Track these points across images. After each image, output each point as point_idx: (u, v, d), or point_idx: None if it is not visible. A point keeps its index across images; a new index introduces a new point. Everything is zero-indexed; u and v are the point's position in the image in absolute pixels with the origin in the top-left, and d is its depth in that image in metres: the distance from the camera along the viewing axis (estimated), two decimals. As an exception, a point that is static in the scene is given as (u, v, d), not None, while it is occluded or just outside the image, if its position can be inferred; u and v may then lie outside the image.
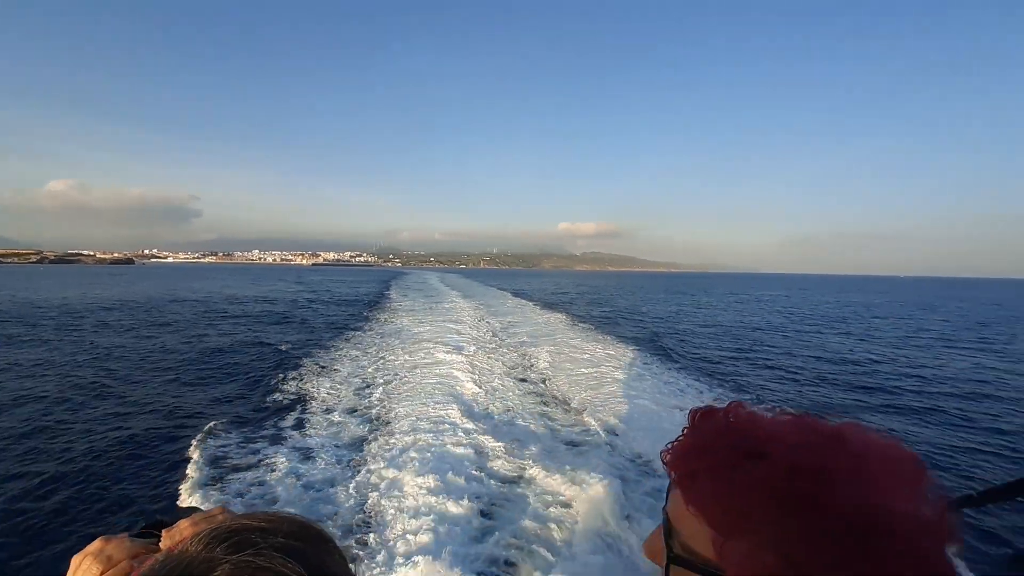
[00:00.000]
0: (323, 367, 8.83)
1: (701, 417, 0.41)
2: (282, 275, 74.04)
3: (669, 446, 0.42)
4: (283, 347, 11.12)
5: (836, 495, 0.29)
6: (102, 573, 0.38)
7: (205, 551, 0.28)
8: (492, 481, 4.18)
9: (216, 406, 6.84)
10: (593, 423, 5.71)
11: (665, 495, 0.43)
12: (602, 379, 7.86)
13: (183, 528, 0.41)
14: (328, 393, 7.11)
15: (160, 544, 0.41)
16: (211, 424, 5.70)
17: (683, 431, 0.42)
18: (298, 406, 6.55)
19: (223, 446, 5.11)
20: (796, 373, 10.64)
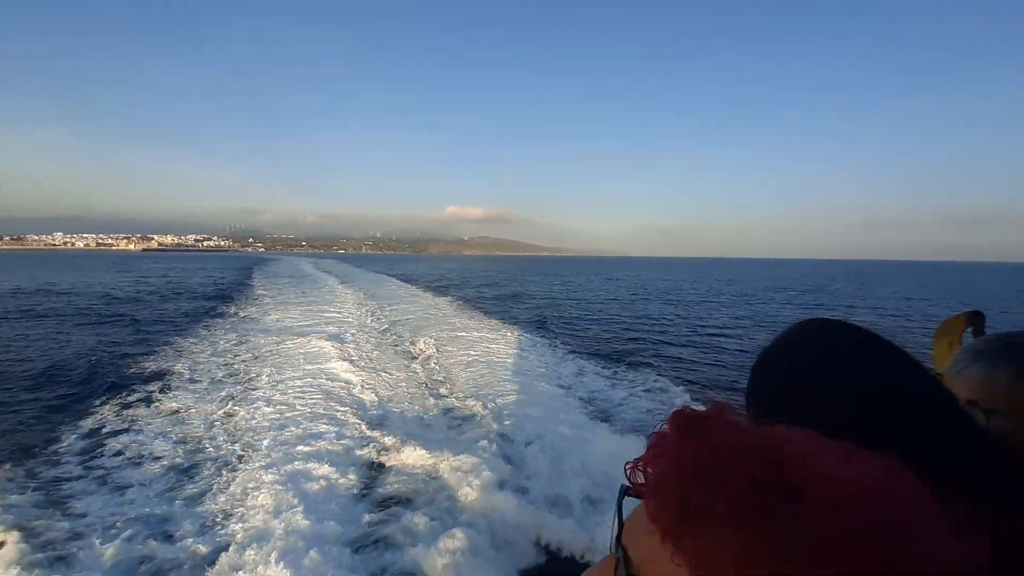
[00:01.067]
0: (167, 368, 7.37)
1: (690, 424, 0.30)
2: (98, 263, 60.39)
3: (640, 460, 0.31)
4: (107, 350, 8.97)
5: (910, 562, 0.22)
6: None
7: None
8: (373, 465, 4.16)
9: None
10: (476, 404, 5.72)
11: (616, 517, 0.33)
12: (484, 358, 8.16)
13: None
14: (177, 393, 6.07)
15: None
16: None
17: (657, 440, 0.31)
18: (133, 413, 5.44)
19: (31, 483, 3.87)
20: (613, 327, 14.19)
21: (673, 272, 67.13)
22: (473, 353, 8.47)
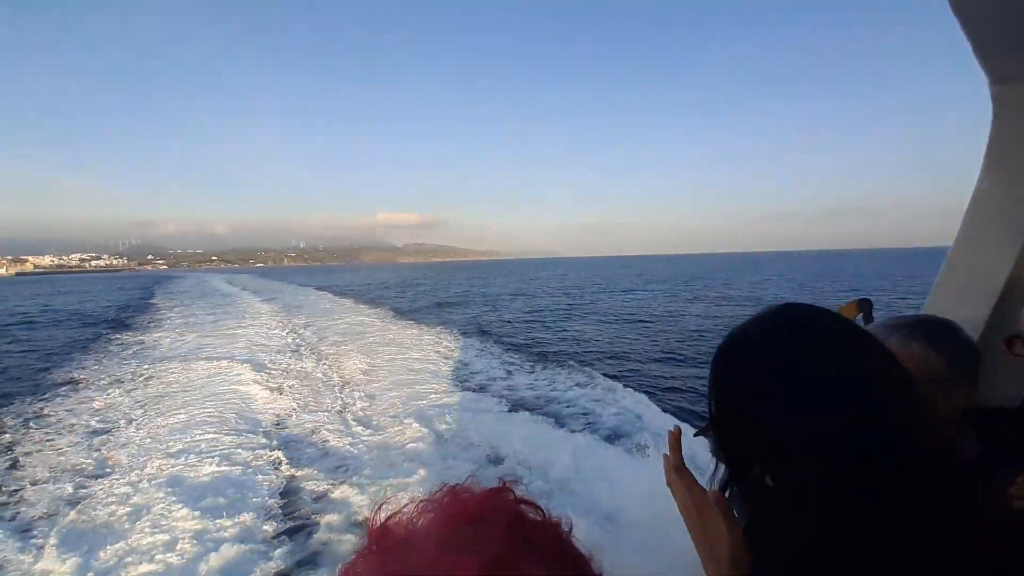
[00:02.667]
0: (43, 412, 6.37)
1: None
2: None
3: None
4: None
5: None
6: None
7: None
8: (296, 507, 3.79)
9: None
10: (415, 426, 5.34)
11: None
12: (417, 374, 7.80)
13: None
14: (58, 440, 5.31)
15: None
16: None
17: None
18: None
19: None
20: (512, 319, 16.37)
21: (591, 270, 71.99)
22: (396, 364, 8.46)
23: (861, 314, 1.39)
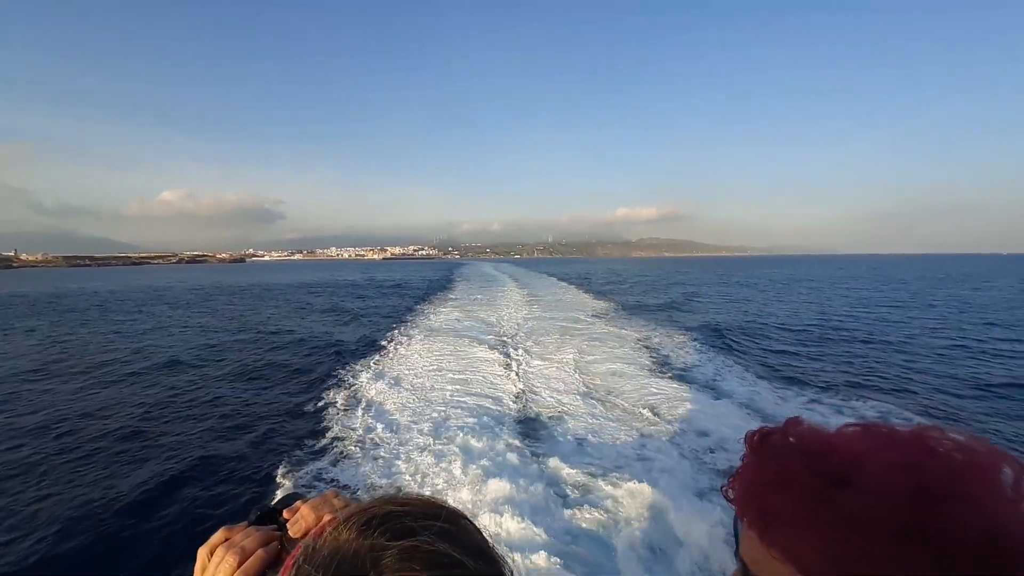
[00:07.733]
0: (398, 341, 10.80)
1: (760, 441, 0.35)
2: (363, 269, 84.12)
3: (730, 480, 0.36)
4: (351, 333, 13.22)
5: (948, 520, 0.24)
6: (239, 563, 0.35)
7: (362, 537, 0.27)
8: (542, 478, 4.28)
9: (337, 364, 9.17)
10: (646, 413, 5.63)
11: (733, 535, 0.37)
12: (631, 367, 7.93)
13: (306, 514, 0.40)
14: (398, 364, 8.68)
15: (290, 531, 0.40)
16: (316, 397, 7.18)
17: (742, 459, 0.36)
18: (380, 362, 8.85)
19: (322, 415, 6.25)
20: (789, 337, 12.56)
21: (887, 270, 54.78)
22: (617, 362, 8.37)
23: None
